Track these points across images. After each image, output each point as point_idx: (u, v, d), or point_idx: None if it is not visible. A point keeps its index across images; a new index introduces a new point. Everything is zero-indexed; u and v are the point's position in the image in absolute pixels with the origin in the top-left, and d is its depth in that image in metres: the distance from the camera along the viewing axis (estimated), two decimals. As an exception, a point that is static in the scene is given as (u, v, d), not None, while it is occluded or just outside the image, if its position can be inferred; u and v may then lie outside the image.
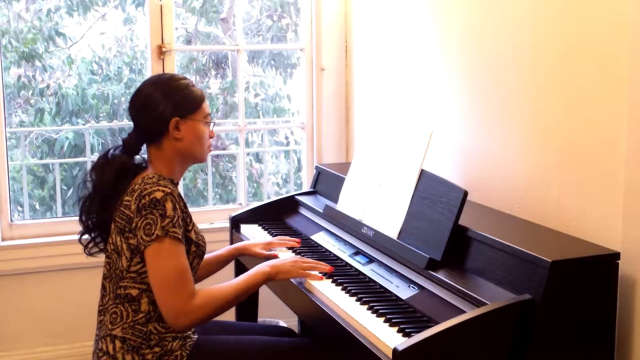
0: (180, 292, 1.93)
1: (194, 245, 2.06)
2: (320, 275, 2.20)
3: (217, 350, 2.08)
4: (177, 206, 1.96)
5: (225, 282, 2.08)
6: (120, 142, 2.13)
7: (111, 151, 2.10)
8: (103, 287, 2.08)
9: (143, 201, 1.94)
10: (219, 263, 2.43)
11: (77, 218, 2.14)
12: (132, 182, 2.04)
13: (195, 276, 2.11)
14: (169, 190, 1.96)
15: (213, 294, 1.99)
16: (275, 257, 2.37)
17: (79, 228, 2.14)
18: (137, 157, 2.13)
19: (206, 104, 2.13)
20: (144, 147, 2.13)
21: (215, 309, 1.98)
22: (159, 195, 1.94)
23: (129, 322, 2.00)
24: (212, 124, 2.16)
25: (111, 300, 2.03)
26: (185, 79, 2.13)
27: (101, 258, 2.12)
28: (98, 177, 2.07)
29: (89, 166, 4.58)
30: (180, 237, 1.95)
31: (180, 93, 2.08)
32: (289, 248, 2.51)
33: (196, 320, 1.95)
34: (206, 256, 2.37)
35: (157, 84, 2.09)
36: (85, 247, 2.15)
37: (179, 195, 2.01)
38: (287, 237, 2.56)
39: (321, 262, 2.25)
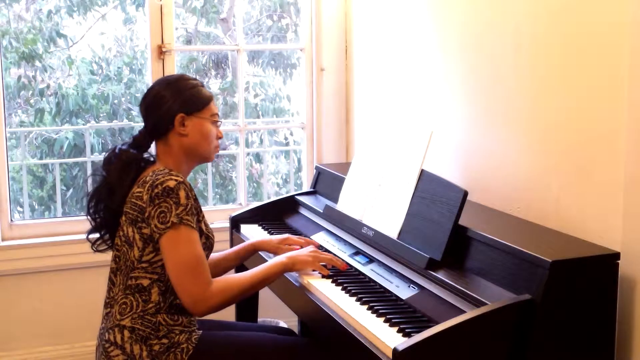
0: (199, 278, 1.96)
1: (204, 237, 2.10)
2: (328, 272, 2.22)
3: (222, 344, 2.09)
4: (190, 195, 2.00)
5: (243, 272, 2.11)
6: (131, 140, 2.17)
7: (119, 146, 2.15)
8: (111, 280, 2.09)
9: (156, 190, 1.97)
10: (235, 259, 2.43)
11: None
12: (142, 175, 2.07)
13: None
14: (181, 179, 2.00)
15: (230, 282, 2.03)
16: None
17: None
18: (145, 154, 2.16)
19: (214, 104, 2.18)
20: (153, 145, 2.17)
21: (233, 297, 2.02)
22: (172, 184, 1.97)
23: (138, 312, 2.01)
24: (219, 124, 2.19)
25: (121, 292, 2.05)
26: (195, 79, 2.19)
27: (102, 257, 2.12)
28: (105, 170, 2.12)
29: (88, 166, 4.60)
30: (194, 225, 1.98)
31: (188, 91, 2.13)
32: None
33: (214, 307, 1.99)
34: (221, 253, 2.41)
35: (166, 83, 2.15)
36: (93, 244, 2.16)
37: (190, 185, 2.04)
38: (306, 239, 2.51)
39: (338, 258, 2.26)
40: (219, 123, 2.20)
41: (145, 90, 2.20)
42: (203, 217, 2.13)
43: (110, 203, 2.08)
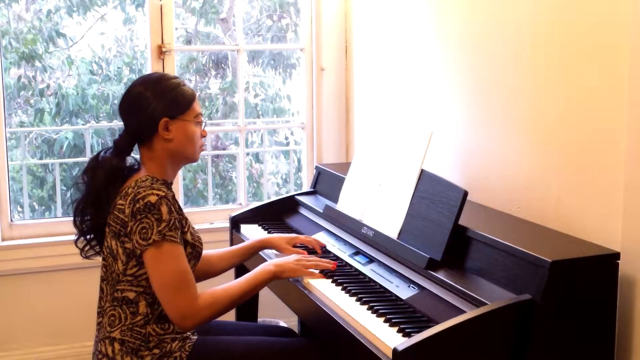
0: (185, 294, 1.94)
1: (190, 247, 2.06)
2: (322, 274, 2.22)
3: (216, 351, 2.07)
4: (173, 209, 1.96)
5: (230, 281, 2.09)
6: (112, 144, 2.11)
7: (102, 153, 2.09)
8: (101, 289, 2.08)
9: (137, 205, 1.93)
10: (242, 255, 2.41)
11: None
12: (125, 185, 2.03)
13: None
14: (163, 194, 1.95)
15: (218, 294, 2.00)
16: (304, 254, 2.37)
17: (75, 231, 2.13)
18: (129, 158, 2.11)
19: (197, 103, 2.11)
20: (136, 148, 2.12)
21: (220, 309, 2.00)
22: (153, 199, 1.93)
23: (127, 324, 2.00)
24: (203, 124, 2.14)
25: (109, 303, 2.03)
26: (176, 78, 2.11)
27: (100, 258, 2.12)
28: (89, 180, 2.06)
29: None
30: (178, 240, 1.95)
31: (170, 93, 2.06)
32: (311, 249, 2.47)
33: (202, 321, 1.98)
34: (229, 249, 2.41)
35: (147, 84, 2.07)
36: (82, 250, 2.14)
37: (173, 197, 2.01)
38: (314, 238, 2.52)
39: (324, 260, 2.26)
40: (204, 122, 2.14)
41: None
42: (189, 227, 2.08)
43: (97, 213, 2.05)
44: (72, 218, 2.12)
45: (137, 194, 1.94)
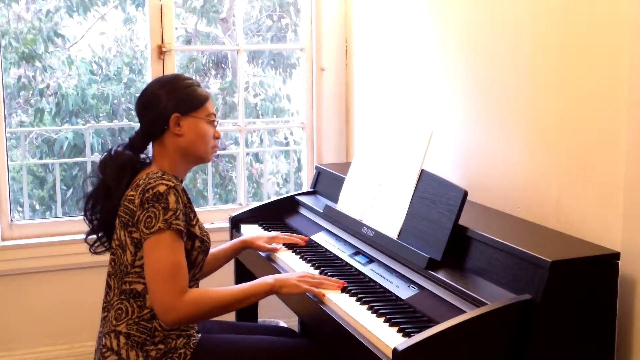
0: (172, 286, 1.91)
1: (199, 241, 2.06)
2: (323, 293, 2.09)
3: (220, 349, 2.08)
4: (180, 200, 1.97)
5: (227, 286, 2.08)
6: (126, 141, 2.14)
7: (114, 148, 2.12)
8: (107, 284, 2.08)
9: (147, 195, 1.94)
10: (223, 257, 2.44)
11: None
12: (136, 178, 2.05)
13: (200, 272, 2.13)
14: (173, 184, 1.97)
15: (207, 295, 1.98)
16: (276, 250, 2.45)
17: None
18: (142, 155, 2.14)
19: (210, 104, 2.14)
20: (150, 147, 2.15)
21: (207, 310, 1.96)
22: (162, 188, 1.94)
23: (134, 318, 2.00)
24: (216, 124, 2.16)
25: (116, 297, 2.03)
26: (191, 79, 2.15)
27: (101, 258, 2.12)
28: (102, 173, 2.09)
29: (88, 166, 4.59)
30: (182, 229, 1.95)
31: (183, 91, 2.09)
32: (291, 245, 2.52)
33: (185, 317, 1.93)
34: (214, 250, 2.40)
35: (162, 82, 2.13)
36: (91, 246, 2.15)
37: (183, 189, 2.02)
38: (294, 235, 2.59)
39: (331, 279, 2.16)
40: (216, 123, 2.16)
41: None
42: (197, 220, 2.09)
43: (106, 205, 2.07)
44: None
45: (147, 184, 1.96)
